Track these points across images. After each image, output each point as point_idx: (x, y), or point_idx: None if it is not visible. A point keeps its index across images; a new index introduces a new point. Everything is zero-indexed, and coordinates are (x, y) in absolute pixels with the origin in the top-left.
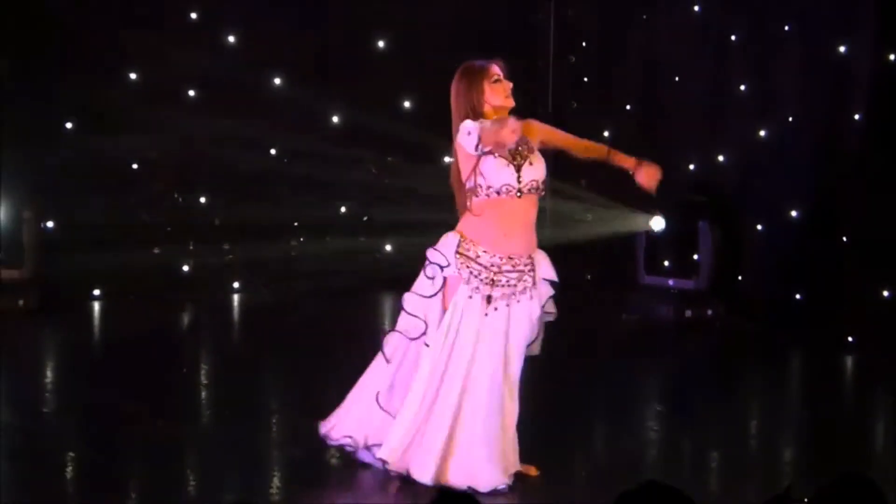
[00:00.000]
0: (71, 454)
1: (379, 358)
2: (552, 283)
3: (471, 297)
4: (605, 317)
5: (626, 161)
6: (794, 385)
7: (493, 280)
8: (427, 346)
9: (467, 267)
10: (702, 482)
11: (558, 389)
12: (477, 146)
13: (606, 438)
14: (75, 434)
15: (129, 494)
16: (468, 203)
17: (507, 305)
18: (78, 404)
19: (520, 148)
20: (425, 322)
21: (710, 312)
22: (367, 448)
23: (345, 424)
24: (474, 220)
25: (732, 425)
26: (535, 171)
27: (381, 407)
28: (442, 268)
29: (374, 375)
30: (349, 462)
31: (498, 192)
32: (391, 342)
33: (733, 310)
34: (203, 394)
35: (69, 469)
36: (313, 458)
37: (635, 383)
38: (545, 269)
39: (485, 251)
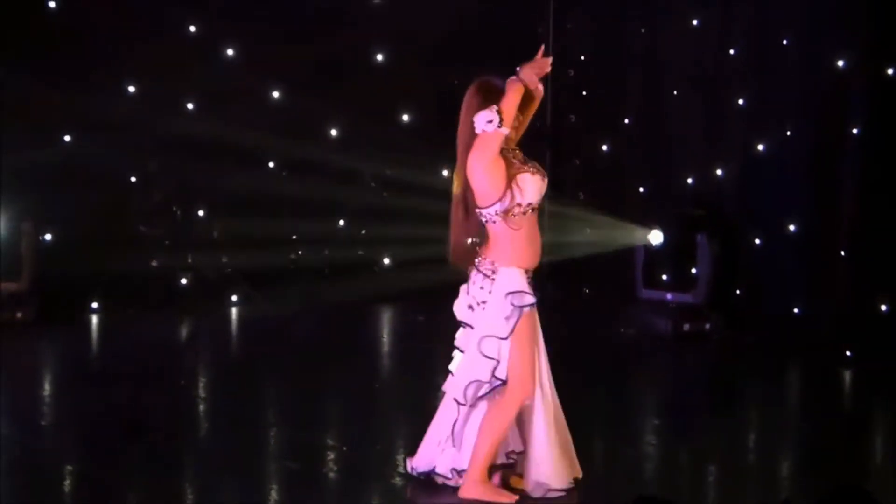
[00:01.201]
0: (69, 467)
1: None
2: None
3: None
4: (604, 330)
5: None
6: (791, 398)
7: (533, 290)
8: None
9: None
10: (699, 495)
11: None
12: (500, 123)
13: (605, 451)
14: (73, 446)
15: None
16: (503, 224)
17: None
18: (76, 416)
19: (527, 159)
20: (498, 361)
21: (707, 326)
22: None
23: (428, 457)
24: (518, 239)
25: (730, 438)
26: (545, 184)
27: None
28: (528, 306)
29: (449, 412)
30: (347, 474)
31: (532, 208)
32: (467, 389)
33: (731, 324)
34: (200, 406)
35: (67, 482)
36: (310, 470)
37: (633, 396)
38: None
39: (526, 271)
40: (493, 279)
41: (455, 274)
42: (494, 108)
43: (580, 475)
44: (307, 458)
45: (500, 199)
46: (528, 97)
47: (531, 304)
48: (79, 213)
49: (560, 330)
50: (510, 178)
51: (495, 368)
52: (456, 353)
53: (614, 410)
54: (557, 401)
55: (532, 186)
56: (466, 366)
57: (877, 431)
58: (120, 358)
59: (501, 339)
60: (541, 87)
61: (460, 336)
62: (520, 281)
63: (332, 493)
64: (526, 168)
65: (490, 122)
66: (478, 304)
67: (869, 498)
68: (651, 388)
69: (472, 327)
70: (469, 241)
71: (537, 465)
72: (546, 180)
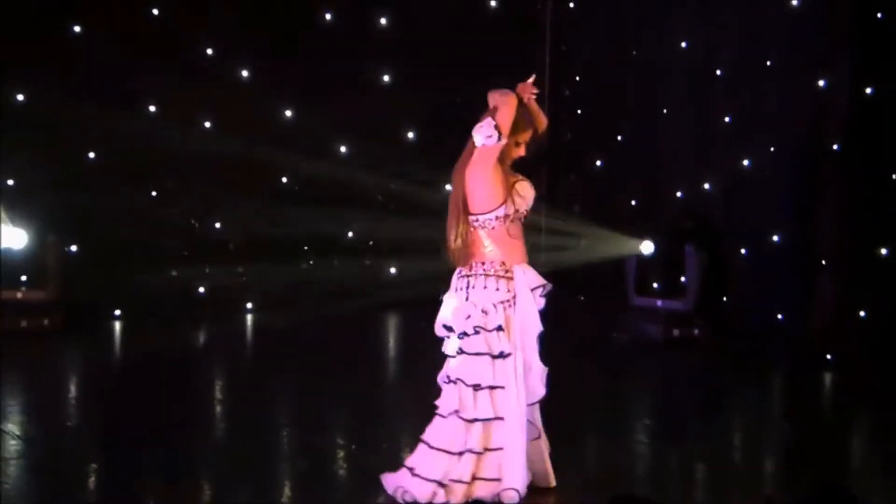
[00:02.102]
0: (93, 465)
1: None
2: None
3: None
4: (597, 336)
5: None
6: (775, 401)
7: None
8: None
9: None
10: (686, 493)
11: (552, 403)
12: (499, 138)
13: (597, 451)
14: (96, 447)
15: None
16: (501, 228)
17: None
18: (99, 419)
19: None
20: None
21: (696, 332)
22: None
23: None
24: (517, 243)
25: (716, 439)
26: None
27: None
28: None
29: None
30: (356, 473)
31: (519, 219)
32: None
33: (718, 329)
34: (217, 409)
35: (91, 480)
36: (320, 470)
37: (625, 398)
38: None
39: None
40: (510, 278)
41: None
42: (492, 123)
43: (551, 483)
44: (318, 458)
45: (501, 205)
46: (529, 124)
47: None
48: (102, 227)
49: (556, 335)
50: (510, 186)
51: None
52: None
53: (606, 411)
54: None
55: (529, 193)
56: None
57: (856, 433)
58: (141, 363)
59: (537, 334)
60: (544, 119)
61: (449, 344)
62: (536, 275)
63: (341, 490)
64: (521, 178)
65: (489, 136)
66: (499, 303)
67: (849, 495)
68: (642, 390)
69: (476, 333)
70: (459, 241)
71: (508, 465)
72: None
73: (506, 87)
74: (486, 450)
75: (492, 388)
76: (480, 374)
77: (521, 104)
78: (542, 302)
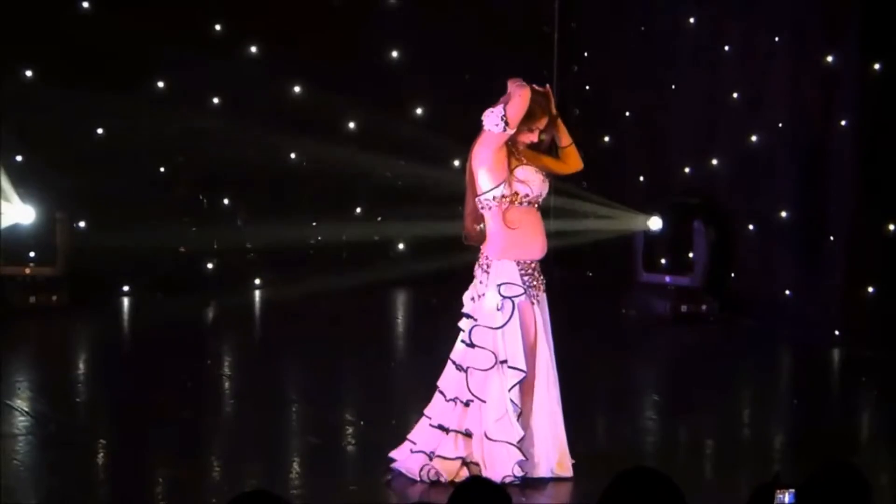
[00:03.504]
0: (102, 441)
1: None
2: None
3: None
4: (606, 311)
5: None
6: (782, 377)
7: (535, 283)
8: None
9: (529, 286)
10: (695, 468)
11: (561, 380)
12: (505, 127)
13: (607, 426)
14: (105, 423)
15: (156, 479)
16: (499, 214)
17: (544, 296)
18: (108, 395)
19: (536, 162)
20: (494, 354)
21: (704, 308)
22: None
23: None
24: (511, 233)
25: (725, 415)
26: (546, 186)
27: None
28: (517, 297)
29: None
30: (364, 448)
31: (529, 202)
32: (472, 379)
33: (726, 305)
34: (226, 385)
35: (100, 455)
36: (330, 446)
37: (634, 374)
38: None
39: (528, 262)
40: (489, 272)
41: (463, 260)
42: (502, 112)
43: (568, 473)
44: (328, 434)
45: (497, 186)
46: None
47: (519, 295)
48: (110, 203)
49: (566, 311)
50: (511, 169)
51: (494, 357)
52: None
53: (616, 386)
54: (556, 395)
55: (532, 178)
56: (468, 357)
57: (863, 408)
58: (149, 339)
59: (493, 328)
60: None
61: (463, 324)
62: (510, 273)
63: (350, 465)
64: (527, 163)
65: (496, 125)
66: (478, 296)
67: (856, 473)
68: (650, 366)
69: (474, 318)
70: (478, 227)
71: (537, 452)
72: (547, 181)
73: (520, 71)
74: (467, 432)
75: (467, 369)
76: (460, 355)
77: (538, 92)
78: (499, 300)
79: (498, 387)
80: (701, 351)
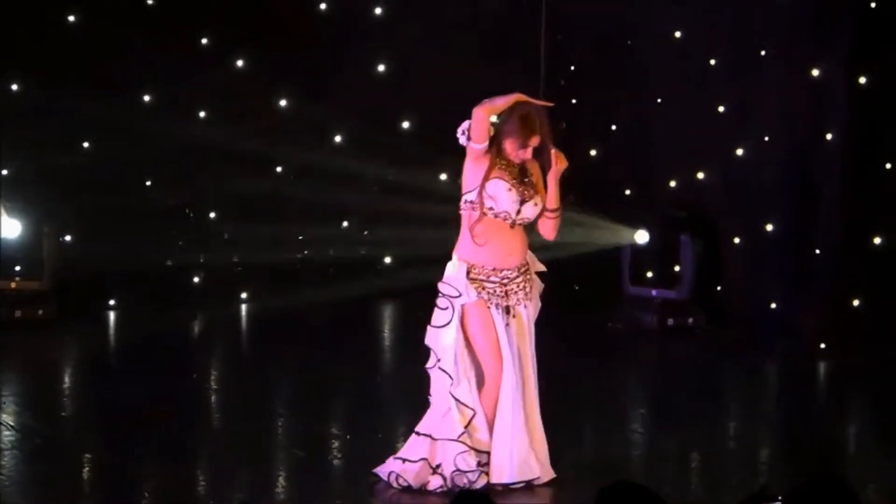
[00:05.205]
0: (87, 455)
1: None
2: (541, 274)
3: (495, 311)
4: (592, 325)
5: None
6: (769, 389)
7: (506, 292)
8: (445, 373)
9: (483, 289)
10: (682, 481)
11: (548, 392)
12: (468, 139)
13: (591, 440)
14: (91, 436)
15: (142, 493)
16: (467, 220)
17: (525, 307)
18: (94, 408)
19: (527, 181)
20: (434, 352)
21: (690, 321)
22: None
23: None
24: (469, 239)
25: (711, 427)
26: (534, 210)
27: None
28: (455, 298)
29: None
30: (350, 461)
31: (496, 216)
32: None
33: (713, 318)
34: (212, 398)
35: (86, 469)
36: (316, 459)
37: (620, 387)
38: (536, 263)
39: (493, 269)
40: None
41: None
42: (467, 124)
43: (540, 476)
44: (314, 447)
45: (468, 192)
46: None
47: (455, 297)
48: (97, 216)
49: (552, 324)
50: (484, 179)
51: (435, 356)
52: None
53: (602, 400)
54: (534, 399)
55: (501, 195)
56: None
57: (849, 419)
58: (135, 353)
59: (434, 327)
60: (562, 160)
61: None
62: (453, 273)
63: (336, 479)
64: (505, 178)
65: (462, 134)
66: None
67: (843, 483)
68: (637, 379)
69: None
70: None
71: (496, 457)
72: (523, 202)
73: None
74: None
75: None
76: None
77: (533, 109)
78: (441, 299)
79: (441, 385)
80: (687, 363)
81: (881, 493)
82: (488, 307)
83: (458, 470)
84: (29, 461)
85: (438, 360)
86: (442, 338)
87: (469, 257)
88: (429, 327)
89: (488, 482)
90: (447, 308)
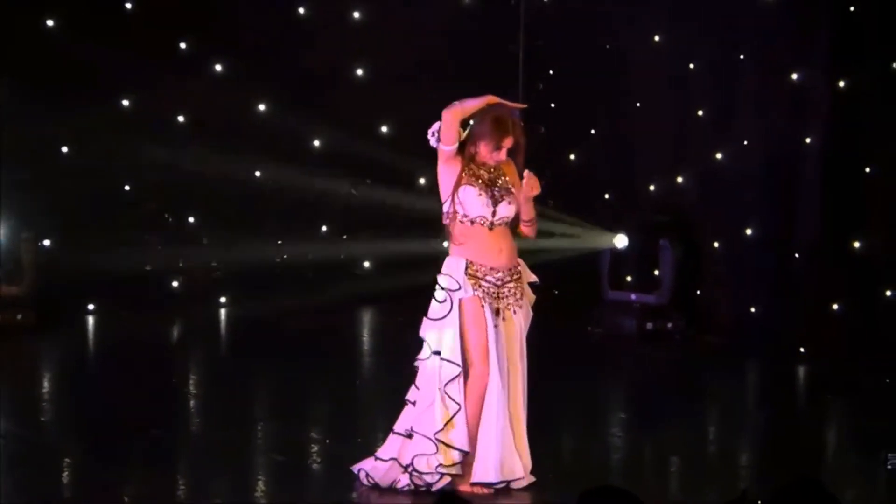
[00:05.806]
0: (67, 460)
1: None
2: (533, 285)
3: (488, 310)
4: (572, 330)
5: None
6: (749, 393)
7: (498, 294)
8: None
9: (479, 286)
10: (663, 485)
11: (528, 398)
12: (438, 141)
13: (571, 444)
14: (72, 442)
15: (122, 498)
16: (450, 228)
17: (515, 313)
18: (74, 413)
19: (500, 182)
20: (429, 345)
21: (670, 325)
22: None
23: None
24: (462, 248)
25: (692, 431)
26: (510, 209)
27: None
28: (454, 291)
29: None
30: (330, 465)
31: (472, 222)
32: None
33: (692, 323)
34: (191, 402)
35: (66, 474)
36: (295, 463)
37: (600, 392)
38: (528, 274)
39: (490, 268)
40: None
41: (430, 277)
42: (437, 126)
43: (523, 477)
44: (293, 451)
45: (444, 201)
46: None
47: (455, 290)
48: (76, 222)
49: (531, 329)
50: (455, 186)
51: (428, 348)
52: None
53: (582, 404)
54: (521, 403)
55: (472, 201)
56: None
57: (829, 423)
58: (115, 357)
59: (432, 319)
60: (535, 187)
61: None
62: (452, 266)
63: (316, 483)
64: (474, 183)
65: (432, 136)
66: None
67: (822, 488)
68: (617, 383)
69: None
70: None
71: (480, 456)
72: (497, 203)
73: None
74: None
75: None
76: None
77: (505, 110)
78: (439, 292)
79: (430, 378)
80: (667, 368)
81: (860, 498)
82: (482, 305)
83: (415, 471)
84: (9, 467)
85: (436, 352)
86: (443, 331)
87: (465, 255)
88: (425, 319)
89: (452, 482)
90: (445, 300)
